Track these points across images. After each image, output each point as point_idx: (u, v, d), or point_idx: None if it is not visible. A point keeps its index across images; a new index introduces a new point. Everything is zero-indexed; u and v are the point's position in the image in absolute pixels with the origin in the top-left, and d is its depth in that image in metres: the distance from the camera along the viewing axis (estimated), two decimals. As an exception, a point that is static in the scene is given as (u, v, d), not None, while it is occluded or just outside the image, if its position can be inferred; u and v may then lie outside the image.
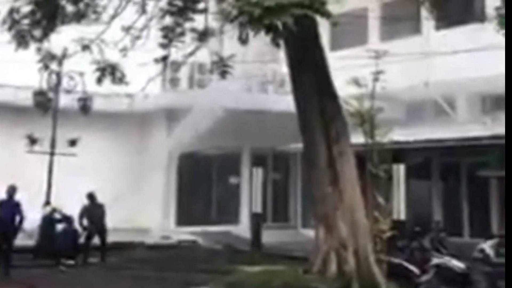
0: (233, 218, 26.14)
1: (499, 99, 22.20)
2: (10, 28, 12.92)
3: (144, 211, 24.01)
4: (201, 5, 12.22)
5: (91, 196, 18.65)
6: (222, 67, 11.81)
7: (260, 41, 9.28)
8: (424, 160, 22.54)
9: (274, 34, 8.18)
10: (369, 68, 16.20)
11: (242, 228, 25.11)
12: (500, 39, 11.12)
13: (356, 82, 16.21)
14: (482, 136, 19.25)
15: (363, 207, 11.82)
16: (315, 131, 11.38)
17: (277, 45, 8.69)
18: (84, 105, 18.53)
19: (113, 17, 13.08)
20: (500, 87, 20.70)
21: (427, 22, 19.72)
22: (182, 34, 12.55)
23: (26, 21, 12.88)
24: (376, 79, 16.39)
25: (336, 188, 11.25)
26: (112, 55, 13.10)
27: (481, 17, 11.23)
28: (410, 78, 21.18)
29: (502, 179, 20.92)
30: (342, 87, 12.87)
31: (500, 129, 19.10)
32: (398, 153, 20.43)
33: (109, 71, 13.12)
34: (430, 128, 21.45)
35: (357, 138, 14.78)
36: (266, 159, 27.04)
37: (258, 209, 23.93)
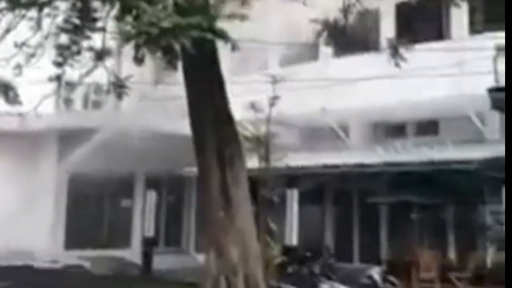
0: (124, 242, 25.70)
1: (390, 127, 22.93)
2: None
3: (32, 234, 23.21)
4: (99, 24, 11.97)
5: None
6: (118, 88, 11.58)
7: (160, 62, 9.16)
8: (318, 186, 22.88)
9: (171, 56, 8.10)
10: (268, 93, 16.42)
11: (134, 253, 24.69)
12: (392, 69, 11.49)
13: (253, 107, 16.38)
14: (373, 163, 19.74)
15: (255, 232, 11.81)
16: (210, 155, 11.31)
17: (174, 67, 8.62)
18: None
19: (6, 32, 12.63)
20: (391, 116, 21.43)
21: (326, 49, 20.15)
22: (79, 52, 12.24)
23: None
24: (272, 104, 16.61)
25: (229, 212, 11.20)
26: (4, 72, 12.63)
27: (376, 47, 11.58)
28: (307, 104, 21.50)
29: (391, 205, 21.58)
30: (241, 111, 12.92)
31: (390, 157, 19.74)
32: (293, 178, 20.71)
33: (2, 90, 12.62)
34: (325, 154, 21.81)
35: (252, 162, 14.85)
36: (161, 182, 26.77)
37: (150, 233, 23.65)
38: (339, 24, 11.91)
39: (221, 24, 8.17)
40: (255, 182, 13.97)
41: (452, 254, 20.42)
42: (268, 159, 17.10)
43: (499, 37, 16.53)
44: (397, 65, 11.35)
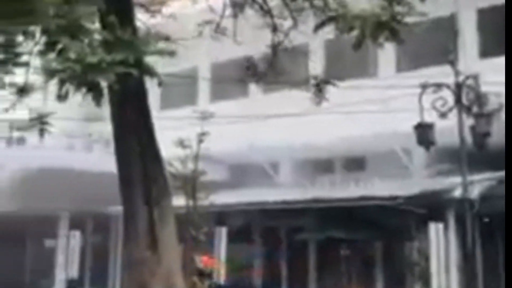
0: (48, 284, 24.95)
1: (318, 163, 23.00)
2: None
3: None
4: (23, 58, 11.61)
5: None
6: (40, 124, 11.22)
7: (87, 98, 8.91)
8: (247, 223, 22.72)
9: (95, 92, 7.87)
10: (197, 129, 16.29)
11: (57, 295, 24.05)
12: (321, 106, 11.50)
13: (181, 143, 16.19)
14: (301, 199, 19.74)
15: (182, 272, 11.56)
16: (136, 194, 11.05)
17: (98, 103, 8.37)
18: None
19: None
20: (319, 152, 21.53)
21: (255, 85, 20.16)
22: (1, 88, 11.84)
23: None
24: (200, 141, 16.48)
25: (155, 252, 10.93)
26: None
27: (305, 83, 11.63)
28: (236, 140, 21.39)
29: (319, 242, 21.57)
30: (169, 147, 12.73)
31: (319, 193, 19.77)
32: (221, 216, 20.51)
33: None
34: (253, 191, 21.71)
35: (179, 200, 14.60)
36: (86, 222, 26.16)
37: (74, 273, 23.07)
38: (268, 60, 11.90)
39: (149, 59, 8.01)
40: (183, 221, 13.72)
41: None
42: (195, 197, 16.91)
43: (424, 75, 16.95)
44: (318, 103, 11.38)
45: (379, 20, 8.63)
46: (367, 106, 18.00)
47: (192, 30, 11.65)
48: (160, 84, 8.38)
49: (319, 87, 11.40)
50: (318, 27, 9.21)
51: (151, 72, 8.12)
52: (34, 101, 12.39)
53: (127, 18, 9.26)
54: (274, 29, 11.61)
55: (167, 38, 10.15)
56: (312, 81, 11.54)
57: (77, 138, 24.36)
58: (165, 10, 12.65)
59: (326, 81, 11.48)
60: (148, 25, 10.38)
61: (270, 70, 12.01)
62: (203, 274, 17.30)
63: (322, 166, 22.92)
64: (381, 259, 20.67)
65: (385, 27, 8.71)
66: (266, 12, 11.45)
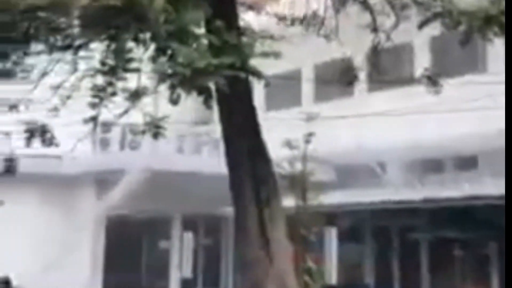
0: (163, 284, 25.59)
1: (428, 162, 22.59)
2: None
3: (70, 278, 23.11)
4: (134, 64, 11.99)
5: (6, 282, 18.34)
6: (154, 128, 11.55)
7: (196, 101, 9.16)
8: (356, 223, 22.62)
9: (205, 96, 8.07)
10: (302, 130, 16.34)
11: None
12: (428, 104, 11.32)
13: (289, 144, 16.32)
14: (412, 199, 19.48)
15: (294, 272, 11.62)
16: (246, 194, 11.19)
17: (208, 106, 8.57)
18: (10, 166, 17.94)
19: (42, 75, 12.75)
20: (428, 151, 21.17)
21: (360, 84, 20.09)
22: (114, 93, 12.24)
23: None
24: (307, 141, 16.55)
25: (267, 252, 11.03)
26: (39, 115, 12.70)
27: (411, 82, 11.42)
28: (342, 140, 21.35)
29: (431, 242, 21.23)
30: (275, 149, 12.85)
31: (429, 192, 19.44)
32: (330, 216, 20.51)
33: (39, 132, 12.65)
34: (362, 191, 21.58)
35: (289, 200, 14.72)
36: (198, 223, 26.68)
37: (188, 274, 23.53)
38: (370, 60, 11.82)
39: (254, 62, 8.15)
40: (292, 221, 13.82)
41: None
42: (305, 197, 17.00)
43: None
44: (437, 92, 11.15)
45: (487, 15, 8.43)
46: (477, 102, 17.57)
47: (296, 29, 11.75)
48: (266, 85, 8.51)
49: (433, 79, 11.21)
50: (423, 24, 9.07)
51: (257, 75, 8.26)
52: (146, 105, 12.79)
53: (231, 21, 9.43)
54: (375, 29, 11.52)
55: (271, 37, 10.28)
56: (425, 73, 11.33)
57: (186, 140, 24.86)
58: (270, 8, 12.79)
59: (438, 74, 11.30)
60: (252, 25, 10.54)
61: (373, 70, 11.92)
62: (315, 274, 17.34)
63: (432, 165, 22.50)
64: (497, 259, 20.12)
65: (494, 22, 8.49)
66: (367, 8, 11.37)
